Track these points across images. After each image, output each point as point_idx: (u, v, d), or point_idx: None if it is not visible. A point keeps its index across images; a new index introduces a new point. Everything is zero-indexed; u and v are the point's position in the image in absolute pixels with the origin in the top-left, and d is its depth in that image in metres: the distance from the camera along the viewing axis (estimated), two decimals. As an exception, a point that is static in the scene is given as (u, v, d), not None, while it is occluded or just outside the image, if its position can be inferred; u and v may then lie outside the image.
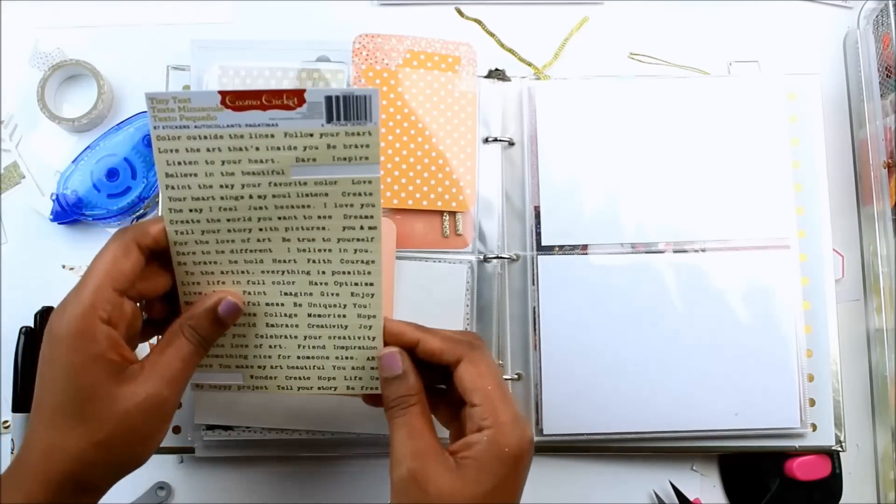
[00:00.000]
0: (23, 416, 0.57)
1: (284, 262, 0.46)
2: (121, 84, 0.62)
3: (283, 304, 0.47)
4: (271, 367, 0.48)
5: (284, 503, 0.58)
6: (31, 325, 0.58)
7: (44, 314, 0.58)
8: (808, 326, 0.57)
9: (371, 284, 0.46)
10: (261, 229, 0.45)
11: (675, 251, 0.57)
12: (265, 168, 0.43)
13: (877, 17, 0.61)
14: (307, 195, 0.44)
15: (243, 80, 0.57)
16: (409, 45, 0.58)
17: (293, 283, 0.46)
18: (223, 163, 0.43)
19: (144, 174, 0.60)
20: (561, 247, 0.57)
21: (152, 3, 0.63)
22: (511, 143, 0.59)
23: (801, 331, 0.57)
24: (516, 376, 0.57)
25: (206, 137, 0.42)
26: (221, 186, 0.43)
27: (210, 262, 0.45)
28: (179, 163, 0.43)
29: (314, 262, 0.45)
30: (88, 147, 0.60)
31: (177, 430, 0.56)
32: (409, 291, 0.56)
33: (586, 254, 0.57)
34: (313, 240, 0.45)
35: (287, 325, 0.47)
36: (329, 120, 0.42)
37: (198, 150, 0.43)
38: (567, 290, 0.57)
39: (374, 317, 0.46)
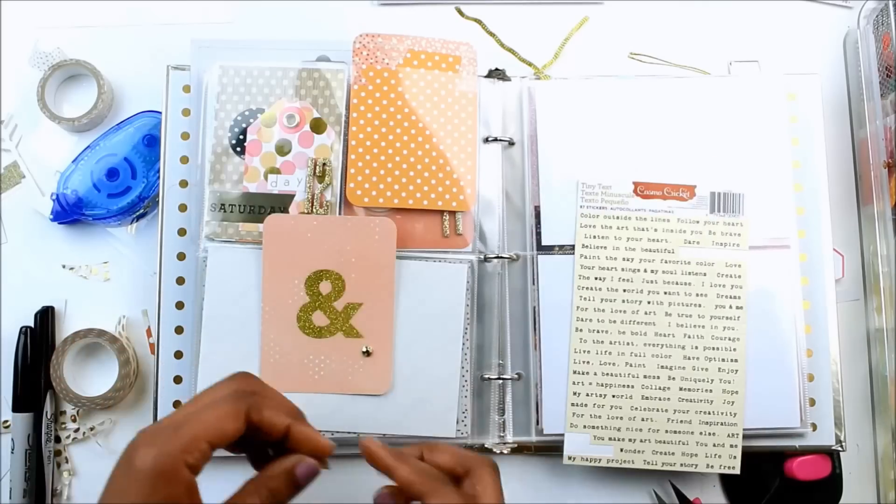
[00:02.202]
0: (22, 415, 0.57)
1: (664, 335, 0.53)
2: (121, 84, 0.62)
3: (658, 377, 0.53)
4: (641, 440, 0.53)
5: (284, 503, 0.58)
6: (31, 325, 0.58)
7: (44, 314, 0.59)
8: (808, 326, 0.57)
9: (735, 361, 0.53)
10: (649, 302, 0.54)
11: (676, 251, 0.57)
12: (659, 247, 0.54)
13: (877, 17, 0.61)
14: (689, 273, 0.54)
15: (243, 79, 0.57)
16: (410, 44, 0.58)
17: (670, 356, 0.53)
18: (628, 239, 0.55)
19: (144, 174, 0.60)
20: (561, 247, 0.57)
21: (152, 3, 0.63)
22: (511, 143, 0.59)
23: (801, 331, 0.57)
24: (516, 376, 0.57)
25: (617, 217, 0.55)
26: (623, 259, 0.54)
27: (602, 332, 0.54)
28: (594, 237, 0.55)
29: (689, 336, 0.53)
30: (88, 147, 0.60)
31: (177, 430, 0.56)
32: (410, 291, 0.56)
33: (586, 254, 0.58)
34: (690, 315, 0.53)
35: (660, 399, 0.53)
36: (712, 210, 0.55)
37: (610, 227, 0.55)
38: (567, 291, 0.57)
39: (737, 392, 0.52)
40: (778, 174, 0.58)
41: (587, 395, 0.54)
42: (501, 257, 0.57)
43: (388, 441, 0.56)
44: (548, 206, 0.57)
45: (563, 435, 0.55)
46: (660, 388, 0.53)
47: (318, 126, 0.57)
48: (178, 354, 0.57)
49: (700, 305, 0.54)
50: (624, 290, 0.54)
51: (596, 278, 0.54)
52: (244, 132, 0.57)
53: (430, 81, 0.57)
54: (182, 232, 0.57)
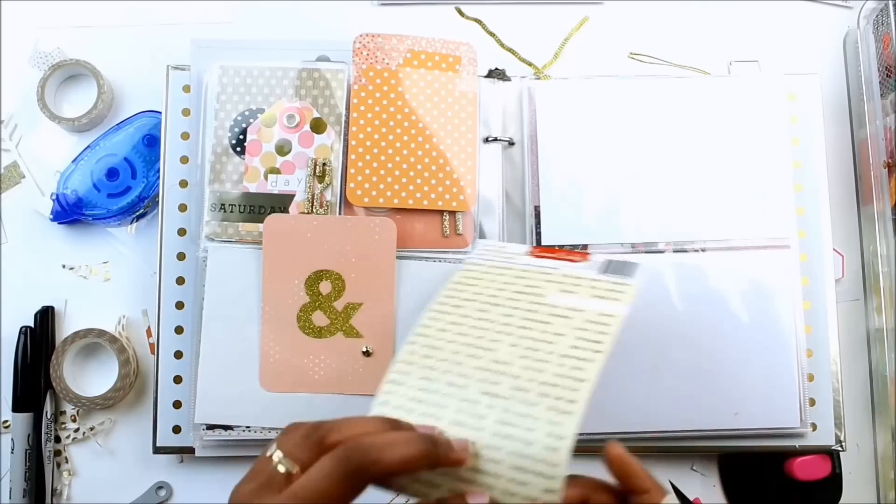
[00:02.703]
0: (22, 415, 0.57)
1: (502, 363, 0.44)
2: (121, 84, 0.62)
3: (478, 402, 0.43)
4: (441, 472, 0.41)
5: (284, 503, 0.58)
6: (31, 325, 0.58)
7: (44, 314, 0.59)
8: (808, 326, 0.57)
9: (573, 402, 0.41)
10: (498, 332, 0.46)
11: (675, 251, 0.57)
12: (531, 291, 0.48)
13: (877, 17, 0.61)
14: (553, 315, 0.46)
15: (243, 79, 0.57)
16: (410, 44, 0.58)
17: (498, 383, 0.43)
18: (503, 283, 0.49)
19: (144, 174, 0.60)
20: (561, 247, 0.57)
21: (152, 3, 0.63)
22: (511, 143, 0.59)
23: (801, 331, 0.57)
24: (516, 376, 0.57)
25: (500, 268, 0.50)
26: (489, 296, 0.49)
27: (437, 348, 0.46)
28: (468, 280, 0.50)
29: (529, 368, 0.44)
30: (88, 147, 0.60)
31: (177, 429, 0.56)
32: (409, 291, 0.56)
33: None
34: (537, 350, 0.45)
35: (473, 428, 0.42)
36: (602, 272, 0.48)
37: (488, 274, 0.50)
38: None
39: (564, 438, 0.39)
40: (778, 174, 0.58)
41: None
42: (501, 257, 0.57)
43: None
44: (548, 206, 0.57)
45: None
46: (476, 416, 0.42)
47: (318, 126, 0.57)
48: (178, 354, 0.57)
49: (552, 343, 0.44)
50: (477, 318, 0.47)
51: (453, 306, 0.49)
52: (244, 132, 0.57)
53: (430, 81, 0.57)
54: (182, 232, 0.57)
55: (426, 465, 0.38)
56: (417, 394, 0.44)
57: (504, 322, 0.47)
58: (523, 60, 0.60)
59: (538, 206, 0.58)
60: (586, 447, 0.57)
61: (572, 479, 0.41)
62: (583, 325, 0.44)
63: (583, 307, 0.46)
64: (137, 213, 0.60)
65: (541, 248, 0.50)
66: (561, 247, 0.52)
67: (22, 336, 0.58)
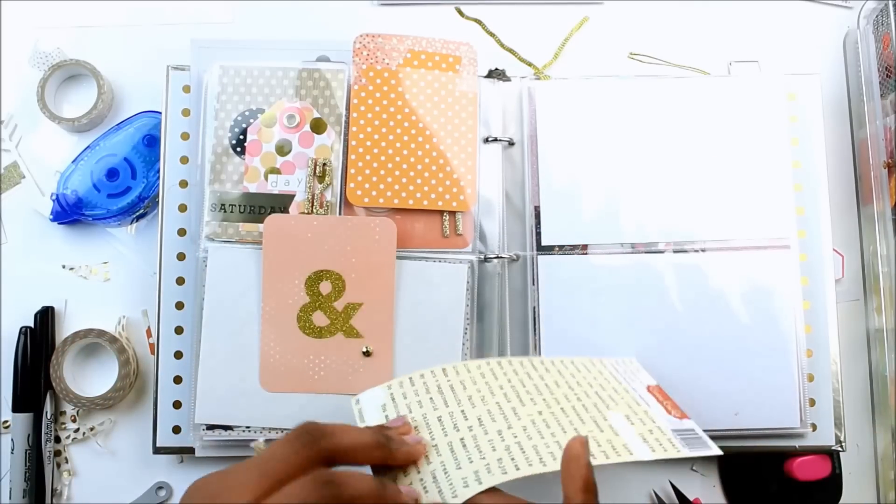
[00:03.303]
0: (22, 415, 0.57)
1: (515, 414, 0.44)
2: (121, 84, 0.62)
3: (467, 420, 0.44)
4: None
5: (284, 503, 0.58)
6: (31, 325, 0.58)
7: (44, 314, 0.59)
8: (808, 326, 0.57)
9: (517, 469, 0.40)
10: (544, 399, 0.46)
11: (675, 251, 0.57)
12: (607, 399, 0.47)
13: (877, 17, 0.61)
14: (596, 423, 0.45)
15: (244, 79, 0.57)
16: (410, 44, 0.58)
17: (494, 421, 0.44)
18: (598, 382, 0.50)
19: (144, 174, 0.60)
20: (561, 247, 0.57)
21: (152, 3, 0.63)
22: (511, 143, 0.59)
23: (801, 331, 0.57)
24: (516, 376, 0.57)
25: (614, 378, 0.51)
26: (576, 381, 0.49)
27: (495, 377, 0.48)
28: (580, 364, 0.52)
29: (525, 431, 0.43)
30: (88, 147, 0.60)
31: (177, 430, 0.56)
32: (410, 291, 0.56)
33: (586, 254, 0.57)
34: (548, 427, 0.44)
35: (442, 432, 0.43)
36: (675, 430, 0.46)
37: (601, 374, 0.51)
38: (567, 290, 0.57)
39: (481, 484, 0.39)
40: (778, 174, 0.58)
41: None
42: (501, 257, 0.57)
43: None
44: (548, 206, 0.57)
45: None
46: (453, 425, 0.44)
47: (318, 126, 0.57)
48: (178, 354, 0.57)
49: (565, 432, 0.44)
50: (543, 383, 0.49)
51: (545, 368, 0.50)
52: (244, 132, 0.57)
53: (430, 81, 0.57)
54: (182, 232, 0.57)
55: (378, 457, 0.40)
56: (440, 385, 0.47)
57: (557, 397, 0.47)
58: (523, 60, 0.60)
59: (538, 206, 0.58)
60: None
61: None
62: (602, 441, 0.43)
63: (622, 434, 0.44)
64: (137, 214, 0.60)
65: (660, 390, 0.50)
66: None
67: (22, 336, 0.58)
